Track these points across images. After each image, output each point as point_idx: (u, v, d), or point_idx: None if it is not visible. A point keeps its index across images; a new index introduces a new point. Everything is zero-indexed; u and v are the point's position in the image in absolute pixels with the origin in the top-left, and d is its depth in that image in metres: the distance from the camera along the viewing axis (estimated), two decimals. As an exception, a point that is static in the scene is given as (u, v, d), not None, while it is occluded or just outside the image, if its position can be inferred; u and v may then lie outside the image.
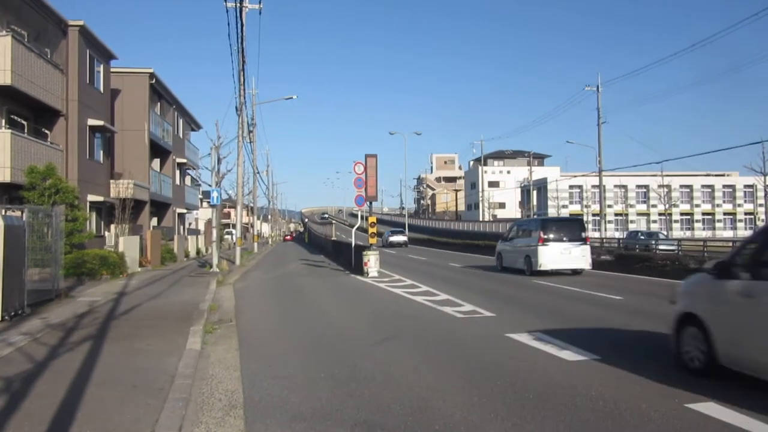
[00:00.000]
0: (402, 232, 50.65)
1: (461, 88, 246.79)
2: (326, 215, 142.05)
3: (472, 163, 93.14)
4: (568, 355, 6.70)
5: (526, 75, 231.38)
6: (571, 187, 67.64)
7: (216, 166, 22.81)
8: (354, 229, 24.89)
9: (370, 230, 20.44)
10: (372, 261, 19.26)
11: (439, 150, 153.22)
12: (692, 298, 5.38)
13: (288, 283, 17.80)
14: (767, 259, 4.66)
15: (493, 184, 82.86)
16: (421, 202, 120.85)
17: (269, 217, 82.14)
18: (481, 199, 73.12)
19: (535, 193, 69.51)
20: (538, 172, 73.59)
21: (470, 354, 6.91)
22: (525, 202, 72.11)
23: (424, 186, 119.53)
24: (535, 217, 64.65)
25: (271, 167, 72.64)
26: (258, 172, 46.03)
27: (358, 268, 20.61)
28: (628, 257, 21.40)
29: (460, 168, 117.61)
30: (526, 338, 7.72)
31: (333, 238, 38.33)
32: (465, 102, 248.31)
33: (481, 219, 70.22)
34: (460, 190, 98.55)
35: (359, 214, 24.66)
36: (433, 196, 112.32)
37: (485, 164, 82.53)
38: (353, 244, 23.45)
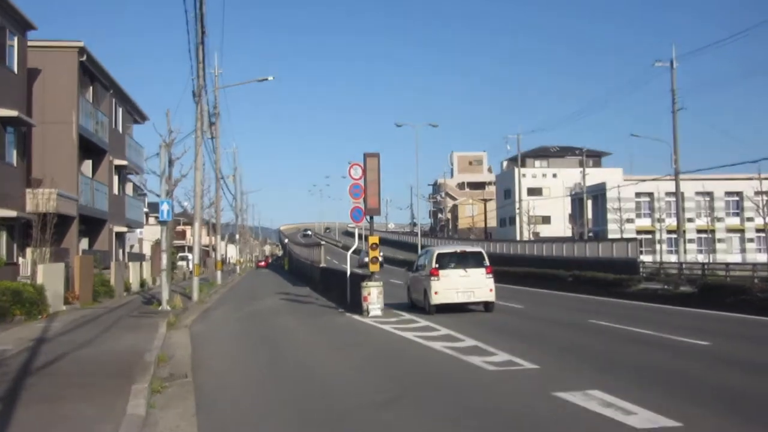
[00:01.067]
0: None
1: (489, 65, 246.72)
2: (309, 232, 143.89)
3: (505, 164, 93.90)
4: (639, 420, 6.74)
5: (575, 47, 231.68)
6: (638, 194, 67.60)
7: (167, 169, 23.19)
8: (350, 253, 25.37)
9: (371, 254, 20.61)
10: (374, 295, 19.69)
11: (462, 147, 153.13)
12: (407, 277, 23.82)
13: (262, 326, 18.13)
14: (417, 262, 22.86)
15: (534, 192, 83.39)
16: (439, 215, 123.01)
17: (237, 237, 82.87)
18: (518, 211, 73.59)
19: (590, 202, 69.92)
20: (594, 176, 73.60)
21: (509, 424, 6.94)
22: (576, 214, 72.33)
23: (443, 194, 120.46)
24: (590, 235, 64.84)
25: (240, 170, 73.18)
26: (223, 178, 46.91)
27: (356, 305, 21.05)
28: (716, 288, 21.52)
29: (489, 171, 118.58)
30: (581, 399, 7.79)
31: (321, 265, 38.84)
32: (494, 83, 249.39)
33: (518, 238, 70.49)
34: (490, 199, 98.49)
35: (356, 232, 25.46)
36: (454, 209, 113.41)
37: (523, 165, 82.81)
38: (348, 273, 23.84)
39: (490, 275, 20.31)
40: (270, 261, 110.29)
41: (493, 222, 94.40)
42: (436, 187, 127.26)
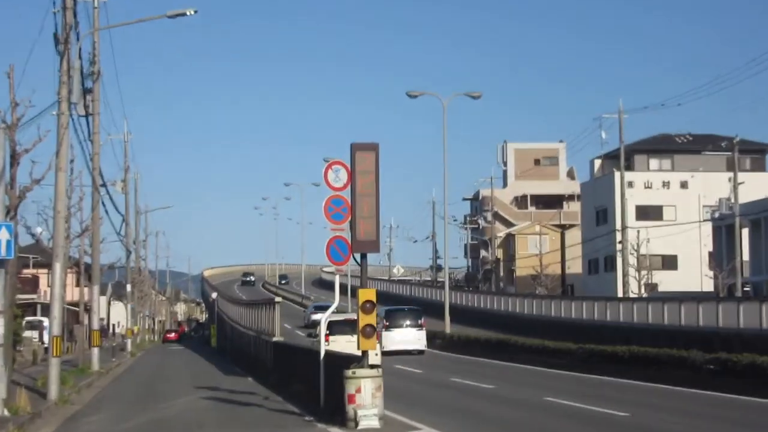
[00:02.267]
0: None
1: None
2: (251, 278, 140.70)
3: (598, 164, 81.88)
4: None
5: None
6: None
7: (6, 169, 21.33)
8: (325, 317, 25.30)
9: (364, 319, 18.53)
10: (366, 392, 18.27)
11: (520, 136, 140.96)
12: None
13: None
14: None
15: (650, 213, 71.61)
16: (483, 253, 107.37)
17: (130, 289, 73.57)
18: (619, 249, 63.75)
19: (745, 232, 62.27)
20: (755, 184, 65.06)
21: None
22: (723, 252, 62.91)
23: (489, 216, 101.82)
24: (746, 289, 59.28)
25: (136, 173, 70.77)
26: (105, 185, 43.25)
27: (335, 408, 19.79)
28: None
29: (570, 176, 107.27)
30: None
31: (276, 339, 35.65)
32: (569, 42, 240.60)
33: (621, 294, 61.47)
34: (571, 225, 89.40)
35: (336, 280, 23.81)
36: (508, 241, 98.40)
37: (629, 166, 70.95)
38: (323, 354, 21.90)
39: None
40: (186, 330, 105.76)
41: (576, 265, 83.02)
42: (478, 204, 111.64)
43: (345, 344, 28.83)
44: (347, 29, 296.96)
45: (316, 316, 57.14)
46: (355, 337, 20.29)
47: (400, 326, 44.01)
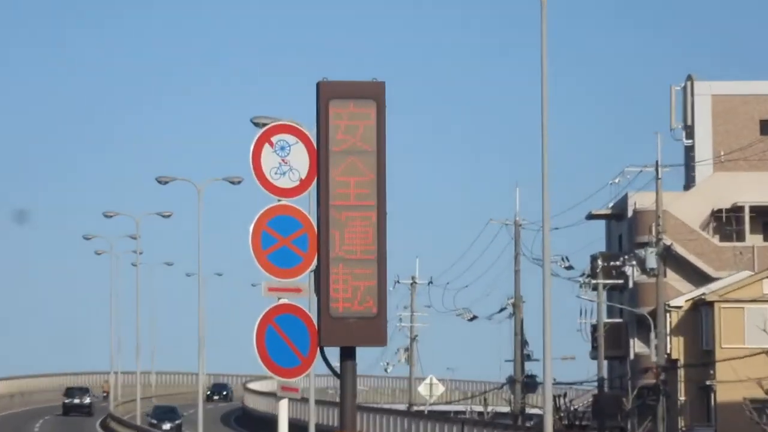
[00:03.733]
0: None
1: None
2: (88, 399, 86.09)
3: None
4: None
5: None
6: None
7: None
8: None
9: None
10: None
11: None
12: None
13: None
14: None
15: None
16: (636, 346, 65.99)
17: None
18: None
19: None
20: None
21: None
22: None
23: (649, 253, 58.99)
24: None
25: None
26: None
27: None
28: None
29: None
30: None
31: None
32: None
33: None
34: None
35: (283, 410, 12.34)
36: (697, 317, 58.83)
37: None
38: None
39: None
40: None
41: None
42: (624, 227, 67.92)
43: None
44: None
45: None
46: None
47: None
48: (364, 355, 9.79)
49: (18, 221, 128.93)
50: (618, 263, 63.25)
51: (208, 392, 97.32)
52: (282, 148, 9.79)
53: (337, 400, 10.57)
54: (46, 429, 75.06)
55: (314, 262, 9.55)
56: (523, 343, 60.98)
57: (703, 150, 64.32)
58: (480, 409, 72.40)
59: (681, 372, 57.61)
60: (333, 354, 9.46)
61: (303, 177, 9.75)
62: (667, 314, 56.09)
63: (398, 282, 77.93)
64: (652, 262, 55.16)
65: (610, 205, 67.31)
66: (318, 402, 40.93)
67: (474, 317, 68.58)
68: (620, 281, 64.59)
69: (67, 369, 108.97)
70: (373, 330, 9.50)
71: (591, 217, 68.61)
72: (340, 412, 10.29)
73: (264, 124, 11.03)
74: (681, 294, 60.66)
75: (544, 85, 25.66)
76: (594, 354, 65.21)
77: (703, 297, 57.60)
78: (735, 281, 58.15)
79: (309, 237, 9.72)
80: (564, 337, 70.28)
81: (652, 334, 57.07)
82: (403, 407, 67.51)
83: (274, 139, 9.82)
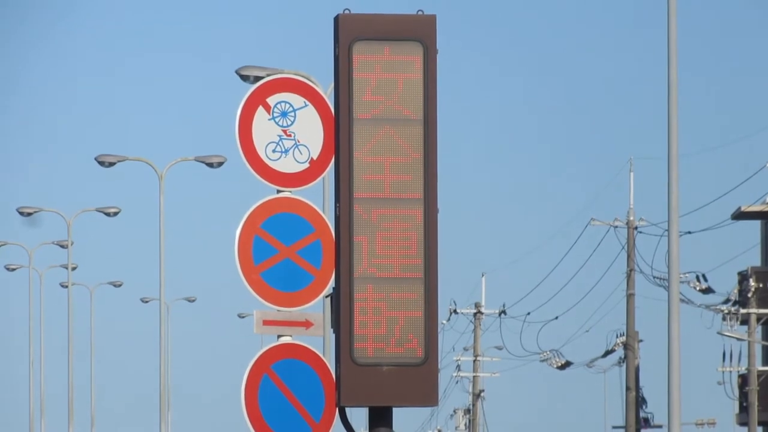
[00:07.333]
0: None
1: None
2: None
3: None
4: None
5: None
6: None
7: None
8: None
9: None
10: None
11: None
12: None
13: None
14: None
15: None
16: None
17: None
18: None
19: None
20: None
21: None
22: None
23: None
24: None
25: None
26: None
27: None
28: None
29: None
30: None
31: None
32: None
33: None
34: None
35: None
36: None
37: None
38: None
39: None
40: None
41: None
42: None
43: None
44: None
45: None
46: None
47: None
48: (404, 418, 8.30)
49: None
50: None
51: None
52: (284, 114, 7.67)
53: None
54: None
55: (331, 283, 7.84)
56: (639, 401, 51.11)
57: None
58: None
59: None
60: (358, 418, 7.75)
61: (314, 157, 7.78)
62: None
63: (455, 312, 64.44)
64: None
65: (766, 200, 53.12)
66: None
67: (567, 363, 57.42)
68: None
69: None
70: (418, 382, 7.65)
71: (740, 215, 53.38)
72: None
73: (257, 78, 9.03)
74: None
75: (672, 66, 22.27)
76: (744, 418, 53.25)
77: None
78: None
79: (323, 245, 7.86)
80: (700, 393, 61.11)
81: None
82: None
83: (271, 100, 7.68)
